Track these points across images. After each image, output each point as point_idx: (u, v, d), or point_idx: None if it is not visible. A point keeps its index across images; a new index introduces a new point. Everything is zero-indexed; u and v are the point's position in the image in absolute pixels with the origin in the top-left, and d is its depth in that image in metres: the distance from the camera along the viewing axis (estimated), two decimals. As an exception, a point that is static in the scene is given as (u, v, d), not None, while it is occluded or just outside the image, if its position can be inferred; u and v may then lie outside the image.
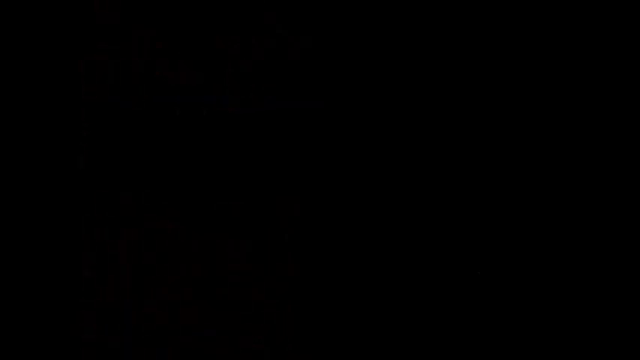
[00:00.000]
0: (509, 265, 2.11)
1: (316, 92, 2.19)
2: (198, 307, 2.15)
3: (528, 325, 2.10)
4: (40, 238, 2.14)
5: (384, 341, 2.12)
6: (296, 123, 2.18)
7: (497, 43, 2.15)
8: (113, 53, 2.20)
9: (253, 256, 2.17)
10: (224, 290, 2.16)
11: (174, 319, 2.15)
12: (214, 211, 2.17)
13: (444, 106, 2.16)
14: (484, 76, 2.15)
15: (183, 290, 2.16)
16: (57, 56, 2.18)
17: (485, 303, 2.11)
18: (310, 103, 2.19)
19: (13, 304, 2.12)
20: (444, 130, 2.15)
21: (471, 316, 2.11)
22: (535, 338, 2.10)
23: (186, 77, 2.20)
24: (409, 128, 2.16)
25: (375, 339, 2.12)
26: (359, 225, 2.15)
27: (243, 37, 2.21)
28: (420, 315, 2.12)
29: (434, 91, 2.16)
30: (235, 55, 2.21)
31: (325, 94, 2.18)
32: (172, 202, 2.18)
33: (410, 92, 2.17)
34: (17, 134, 2.16)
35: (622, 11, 2.13)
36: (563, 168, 2.13)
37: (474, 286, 2.11)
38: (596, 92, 2.14)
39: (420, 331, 2.11)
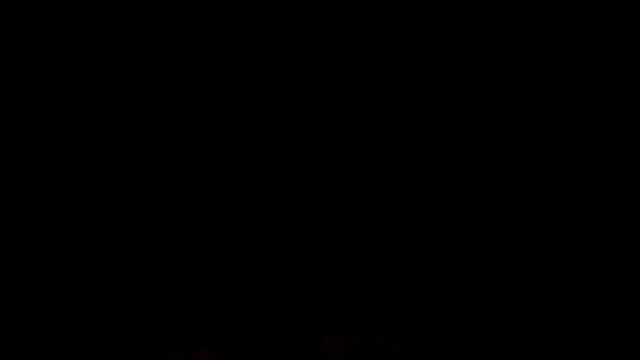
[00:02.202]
0: (509, 265, 2.12)
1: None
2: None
3: (528, 325, 2.11)
4: (41, 238, 2.13)
5: (384, 340, 2.13)
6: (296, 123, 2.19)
7: (497, 44, 2.17)
8: None
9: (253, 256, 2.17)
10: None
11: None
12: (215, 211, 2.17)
13: (445, 106, 2.17)
14: (484, 76, 2.17)
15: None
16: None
17: (485, 303, 2.12)
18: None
19: (13, 304, 2.11)
20: (445, 129, 2.16)
21: (472, 316, 2.11)
22: (535, 338, 2.10)
23: None
24: (410, 128, 2.17)
25: (376, 339, 2.13)
26: (359, 224, 2.16)
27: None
28: (420, 314, 2.12)
29: (434, 91, 2.17)
30: None
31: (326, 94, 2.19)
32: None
33: (410, 92, 2.17)
34: (17, 134, 2.16)
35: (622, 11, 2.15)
36: (563, 168, 2.14)
37: (473, 286, 2.12)
38: (595, 92, 2.16)
39: (420, 331, 2.12)
